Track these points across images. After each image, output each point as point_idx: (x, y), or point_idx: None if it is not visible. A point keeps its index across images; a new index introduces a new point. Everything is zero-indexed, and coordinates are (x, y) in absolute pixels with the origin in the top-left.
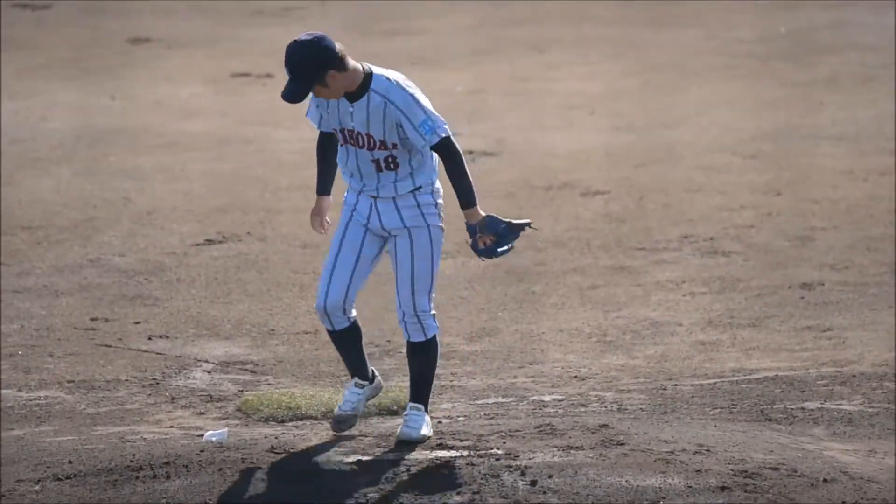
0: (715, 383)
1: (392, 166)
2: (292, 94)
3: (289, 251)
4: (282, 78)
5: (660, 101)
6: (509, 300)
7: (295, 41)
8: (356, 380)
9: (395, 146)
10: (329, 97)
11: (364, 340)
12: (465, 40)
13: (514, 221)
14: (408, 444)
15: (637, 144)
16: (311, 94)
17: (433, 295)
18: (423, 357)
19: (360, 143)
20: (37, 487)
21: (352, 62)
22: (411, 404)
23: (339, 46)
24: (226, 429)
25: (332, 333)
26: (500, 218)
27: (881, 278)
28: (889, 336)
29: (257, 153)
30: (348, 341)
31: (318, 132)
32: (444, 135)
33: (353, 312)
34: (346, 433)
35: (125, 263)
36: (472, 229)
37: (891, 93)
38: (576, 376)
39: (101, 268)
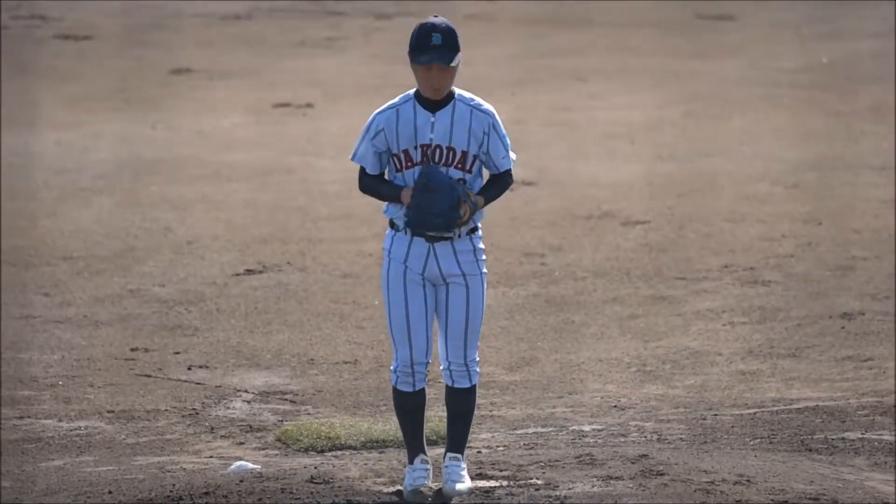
0: (755, 413)
1: None
2: (449, 58)
3: (329, 281)
4: (324, 108)
5: (702, 130)
6: (549, 330)
7: (433, 22)
8: (422, 456)
9: (472, 163)
10: (440, 86)
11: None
12: (507, 70)
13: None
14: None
15: (678, 174)
16: (364, 134)
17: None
18: (466, 400)
19: (437, 159)
20: None
21: None
22: (450, 455)
23: None
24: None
25: (408, 396)
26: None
27: None
28: None
29: (299, 183)
30: (419, 405)
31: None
32: (510, 166)
33: None
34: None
35: (165, 293)
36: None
37: None
38: (615, 406)
39: (141, 298)
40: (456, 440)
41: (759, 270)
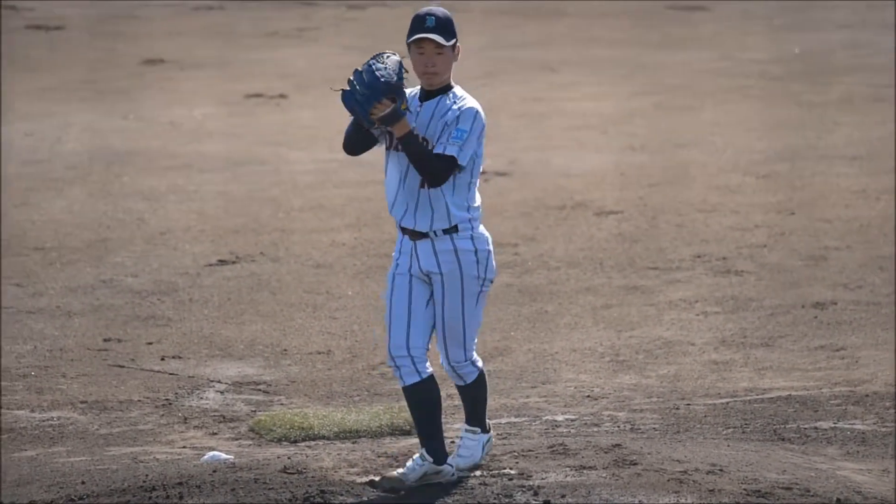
0: (728, 403)
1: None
2: (442, 38)
3: (301, 271)
4: (296, 98)
5: (673, 121)
6: (522, 320)
7: (429, 8)
8: (423, 451)
9: None
10: (433, 69)
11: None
12: (478, 62)
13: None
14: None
15: (650, 164)
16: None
17: (471, 345)
18: (468, 393)
19: None
20: None
21: None
22: (466, 427)
23: None
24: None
25: (403, 389)
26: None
27: (894, 297)
28: None
29: (271, 174)
30: (420, 400)
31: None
32: (451, 154)
33: (428, 368)
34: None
35: (138, 284)
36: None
37: None
38: (588, 396)
39: (114, 288)
40: (469, 416)
41: (731, 260)
